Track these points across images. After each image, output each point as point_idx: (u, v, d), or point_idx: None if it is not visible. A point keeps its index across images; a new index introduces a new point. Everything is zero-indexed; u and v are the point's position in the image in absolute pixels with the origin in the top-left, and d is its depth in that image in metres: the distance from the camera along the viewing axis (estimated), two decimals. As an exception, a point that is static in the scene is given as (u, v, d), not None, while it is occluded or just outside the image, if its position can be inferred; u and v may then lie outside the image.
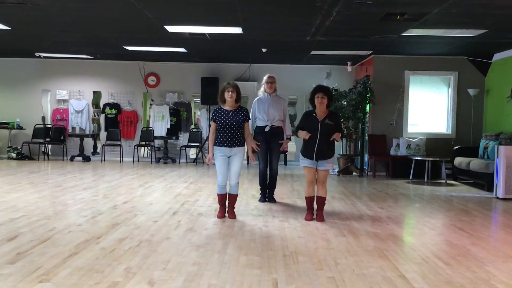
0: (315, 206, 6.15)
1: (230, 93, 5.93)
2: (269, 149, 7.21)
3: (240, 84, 13.37)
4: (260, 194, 7.42)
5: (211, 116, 6.15)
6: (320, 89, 5.95)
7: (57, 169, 11.11)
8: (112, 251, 4.45)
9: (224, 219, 6.01)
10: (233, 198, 6.16)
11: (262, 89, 7.30)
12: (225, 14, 7.25)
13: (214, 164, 6.16)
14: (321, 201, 6.07)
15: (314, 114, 5.92)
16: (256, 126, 7.24)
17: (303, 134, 5.89)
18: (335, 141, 5.90)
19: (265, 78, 7.28)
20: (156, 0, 6.55)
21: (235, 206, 6.23)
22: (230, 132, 5.91)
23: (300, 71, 13.06)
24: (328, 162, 5.94)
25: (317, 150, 5.83)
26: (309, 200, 6.10)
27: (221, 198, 6.13)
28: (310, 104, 6.05)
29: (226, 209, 6.17)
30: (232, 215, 6.09)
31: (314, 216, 6.07)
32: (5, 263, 4.00)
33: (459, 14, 6.87)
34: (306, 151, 5.94)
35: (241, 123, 5.96)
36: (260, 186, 7.41)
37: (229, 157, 6.00)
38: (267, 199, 7.31)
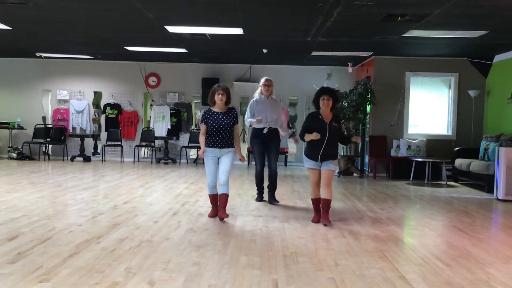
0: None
1: (220, 96, 5.90)
2: (267, 150, 7.25)
3: (241, 85, 13.50)
4: (256, 194, 7.44)
5: (201, 118, 6.11)
6: (325, 90, 5.89)
7: (58, 169, 11.12)
8: (113, 251, 4.45)
9: (224, 219, 5.97)
10: (224, 198, 5.94)
11: (258, 90, 7.29)
12: (226, 14, 7.25)
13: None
14: (326, 203, 5.86)
15: (320, 116, 5.83)
16: (253, 128, 7.27)
17: (313, 136, 5.70)
18: (356, 142, 5.81)
19: (262, 80, 7.30)
20: (157, 0, 6.55)
21: (226, 206, 5.99)
22: (221, 134, 5.91)
23: (300, 72, 13.06)
24: (332, 162, 5.85)
25: (323, 152, 5.76)
26: (315, 202, 5.96)
27: (213, 198, 6.11)
28: (314, 106, 5.96)
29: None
30: (224, 214, 5.89)
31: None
32: (6, 263, 4.00)
33: (460, 15, 6.88)
34: (311, 152, 5.86)
35: (231, 125, 5.95)
36: (256, 186, 7.43)
37: (219, 159, 5.98)
38: (268, 201, 7.25)
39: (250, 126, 7.36)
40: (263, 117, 7.11)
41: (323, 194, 5.87)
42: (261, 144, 7.20)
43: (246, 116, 7.32)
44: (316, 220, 5.90)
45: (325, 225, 5.78)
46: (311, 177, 5.96)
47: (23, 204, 6.64)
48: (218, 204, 6.02)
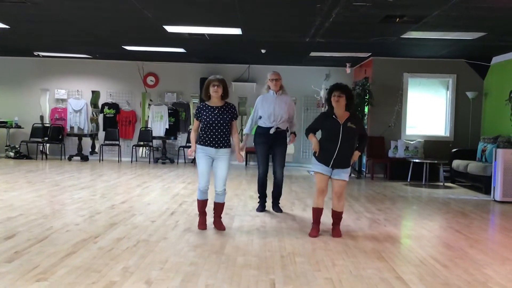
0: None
1: (216, 87, 5.23)
2: (272, 154, 6.50)
3: (239, 85, 13.46)
4: (258, 202, 6.65)
5: (194, 113, 5.49)
6: (337, 87, 5.20)
7: (55, 168, 11.10)
8: (110, 250, 4.45)
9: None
10: (220, 207, 5.49)
11: (266, 86, 6.54)
12: (225, 14, 7.25)
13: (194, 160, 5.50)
14: (337, 216, 5.35)
15: (334, 116, 5.17)
16: (258, 126, 6.54)
17: (315, 146, 5.21)
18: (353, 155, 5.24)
19: (269, 75, 6.53)
20: (156, 0, 6.55)
21: (221, 216, 5.55)
22: (217, 131, 5.26)
23: (299, 72, 13.06)
24: (344, 172, 5.22)
25: (336, 156, 5.10)
26: (317, 212, 5.31)
27: (202, 204, 5.44)
28: (328, 105, 5.30)
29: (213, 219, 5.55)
30: (220, 226, 5.43)
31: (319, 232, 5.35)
32: (3, 262, 3.99)
33: (458, 17, 6.89)
34: (323, 156, 5.17)
35: (228, 121, 5.30)
36: (258, 193, 6.64)
37: (213, 160, 5.35)
38: (272, 208, 6.60)
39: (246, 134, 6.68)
40: (270, 115, 6.37)
41: (335, 206, 5.36)
42: (266, 145, 6.42)
43: (251, 115, 6.64)
44: (314, 234, 5.25)
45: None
46: (317, 183, 5.26)
47: (20, 203, 6.62)
48: (213, 213, 5.53)
